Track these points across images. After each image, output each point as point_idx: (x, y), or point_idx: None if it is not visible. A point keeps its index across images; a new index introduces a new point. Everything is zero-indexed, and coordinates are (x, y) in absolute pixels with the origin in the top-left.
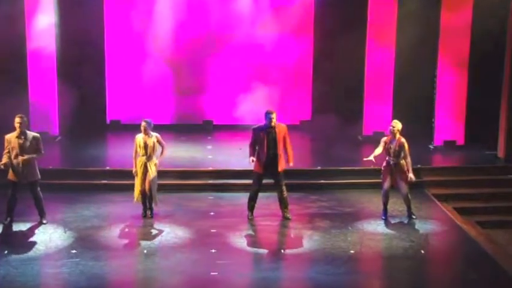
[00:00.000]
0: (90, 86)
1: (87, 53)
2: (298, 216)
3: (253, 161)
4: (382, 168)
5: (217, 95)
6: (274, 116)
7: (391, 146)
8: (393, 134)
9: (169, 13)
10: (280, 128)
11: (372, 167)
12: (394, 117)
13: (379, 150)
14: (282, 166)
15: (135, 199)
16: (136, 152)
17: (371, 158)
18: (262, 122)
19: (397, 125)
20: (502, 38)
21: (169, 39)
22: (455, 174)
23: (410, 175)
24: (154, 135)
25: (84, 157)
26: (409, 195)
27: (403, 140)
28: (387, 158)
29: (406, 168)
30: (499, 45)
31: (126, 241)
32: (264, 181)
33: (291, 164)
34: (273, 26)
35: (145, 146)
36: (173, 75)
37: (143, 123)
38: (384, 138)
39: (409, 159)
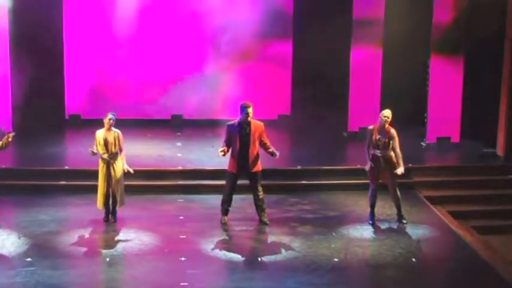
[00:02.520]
0: (47, 77)
1: (44, 42)
2: (277, 220)
3: (223, 152)
4: (369, 164)
5: (187, 87)
6: (251, 110)
7: (380, 138)
8: (383, 125)
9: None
10: (256, 126)
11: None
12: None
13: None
14: (258, 166)
15: (99, 206)
16: (96, 146)
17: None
18: (238, 117)
19: (391, 115)
20: (501, 27)
21: (133, 27)
22: (450, 174)
23: (401, 169)
24: (116, 132)
25: (40, 155)
26: (399, 194)
27: (393, 130)
28: (374, 152)
29: (395, 161)
30: (497, 34)
31: (86, 248)
32: (239, 182)
33: (277, 155)
34: (249, 11)
35: (106, 142)
36: (139, 66)
37: (110, 116)
38: (370, 128)
39: (398, 150)
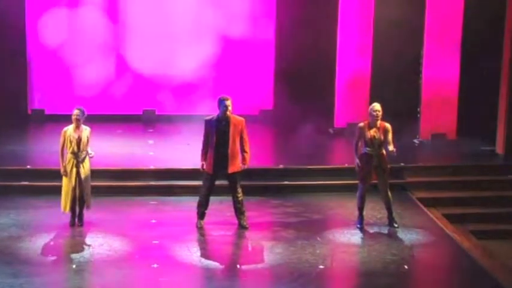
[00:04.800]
0: (8, 68)
1: (5, 31)
2: (258, 224)
3: (203, 166)
4: (359, 163)
5: (160, 80)
6: (229, 102)
7: (375, 135)
8: (375, 120)
9: None
10: (236, 121)
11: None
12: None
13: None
14: (236, 165)
15: (64, 209)
16: (63, 148)
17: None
18: (216, 112)
19: (381, 109)
20: (500, 14)
21: (100, 16)
22: (445, 174)
23: (392, 147)
24: (88, 129)
25: (0, 154)
26: (390, 195)
27: (387, 125)
28: (364, 150)
29: (386, 156)
30: (496, 22)
31: (51, 254)
32: (217, 183)
33: (245, 166)
34: (229, 2)
35: (79, 141)
36: (107, 57)
37: (76, 112)
38: (361, 125)
39: (391, 140)
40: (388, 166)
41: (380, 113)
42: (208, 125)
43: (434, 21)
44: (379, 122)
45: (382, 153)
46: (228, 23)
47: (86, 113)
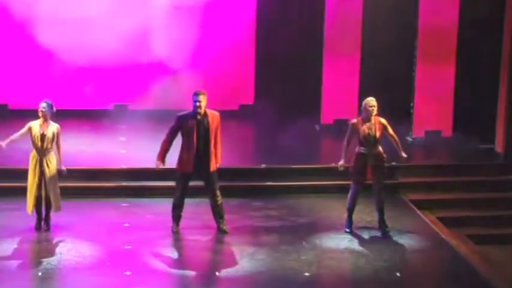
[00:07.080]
0: None
1: None
2: (238, 228)
3: (159, 165)
4: (354, 162)
5: (133, 72)
6: (201, 97)
7: (369, 132)
8: (369, 116)
9: None
10: (213, 117)
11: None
12: (361, 101)
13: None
14: (214, 164)
15: (29, 210)
16: (21, 135)
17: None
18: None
19: (376, 103)
20: (500, 5)
21: (66, 4)
22: (441, 174)
23: (403, 153)
24: (55, 126)
25: None
26: (384, 196)
27: (383, 120)
28: (360, 150)
29: (385, 156)
30: (496, 13)
31: (15, 260)
32: (193, 182)
33: (217, 166)
34: None
35: (43, 137)
36: (75, 47)
37: (42, 105)
38: (354, 121)
39: (395, 135)
40: (386, 165)
41: (375, 108)
42: (183, 120)
43: (429, 11)
44: (373, 118)
45: (379, 152)
46: (206, 11)
47: (54, 108)
